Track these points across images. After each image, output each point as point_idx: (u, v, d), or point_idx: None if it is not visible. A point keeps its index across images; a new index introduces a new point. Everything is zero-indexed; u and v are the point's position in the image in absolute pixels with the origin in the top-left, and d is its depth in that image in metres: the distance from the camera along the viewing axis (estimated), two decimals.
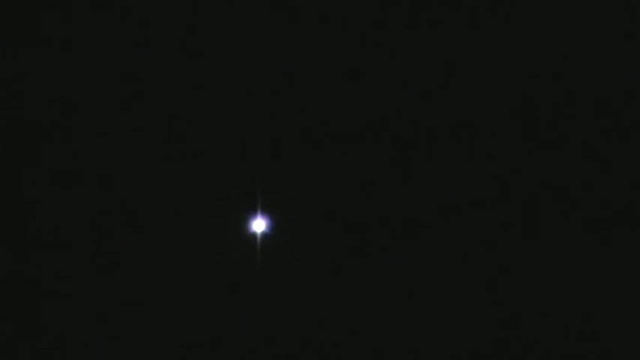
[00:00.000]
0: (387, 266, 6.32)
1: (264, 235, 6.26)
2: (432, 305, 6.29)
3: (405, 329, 6.25)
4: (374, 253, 6.33)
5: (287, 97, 6.43)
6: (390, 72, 6.45)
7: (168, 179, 6.32)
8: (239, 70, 6.42)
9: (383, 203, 6.38)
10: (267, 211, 6.28)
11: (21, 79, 6.33)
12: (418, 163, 6.40)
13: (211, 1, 6.43)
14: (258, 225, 6.27)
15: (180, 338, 6.19)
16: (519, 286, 6.30)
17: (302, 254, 6.31)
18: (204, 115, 6.38)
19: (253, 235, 6.27)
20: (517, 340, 6.23)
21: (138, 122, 6.36)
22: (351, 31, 6.46)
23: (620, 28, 6.42)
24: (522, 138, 6.43)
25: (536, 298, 6.28)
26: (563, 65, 6.44)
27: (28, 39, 6.33)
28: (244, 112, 6.40)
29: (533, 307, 6.28)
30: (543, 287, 6.29)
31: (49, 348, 6.14)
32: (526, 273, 6.32)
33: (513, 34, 6.45)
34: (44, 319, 6.17)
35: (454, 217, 6.37)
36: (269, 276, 6.27)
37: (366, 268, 6.33)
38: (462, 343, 6.26)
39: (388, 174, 6.40)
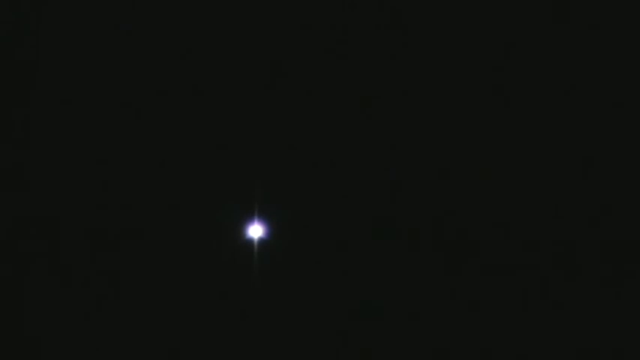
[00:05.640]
0: (386, 271, 6.31)
1: (261, 240, 6.25)
2: (432, 310, 6.27)
3: (404, 333, 6.24)
4: (372, 259, 6.32)
5: (285, 103, 6.41)
6: (388, 75, 6.43)
7: (166, 185, 6.32)
8: (237, 77, 6.41)
9: (381, 208, 6.36)
10: (265, 217, 6.26)
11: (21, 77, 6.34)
12: (417, 167, 6.39)
13: (211, 1, 6.41)
14: (255, 231, 6.25)
15: (176, 343, 6.19)
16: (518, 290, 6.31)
17: (299, 259, 6.29)
18: (202, 120, 6.37)
19: (250, 240, 6.25)
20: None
21: (136, 126, 6.34)
22: (353, 35, 6.45)
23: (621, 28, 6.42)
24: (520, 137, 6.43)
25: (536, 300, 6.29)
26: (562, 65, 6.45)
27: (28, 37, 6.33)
28: (242, 118, 6.39)
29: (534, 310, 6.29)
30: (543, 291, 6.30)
31: (46, 348, 6.13)
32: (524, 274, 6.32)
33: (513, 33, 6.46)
34: (41, 319, 6.15)
35: (454, 222, 6.35)
36: (266, 281, 6.25)
37: (365, 273, 6.31)
38: (462, 345, 6.25)
39: (387, 179, 6.38)
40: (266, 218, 6.26)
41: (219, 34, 6.43)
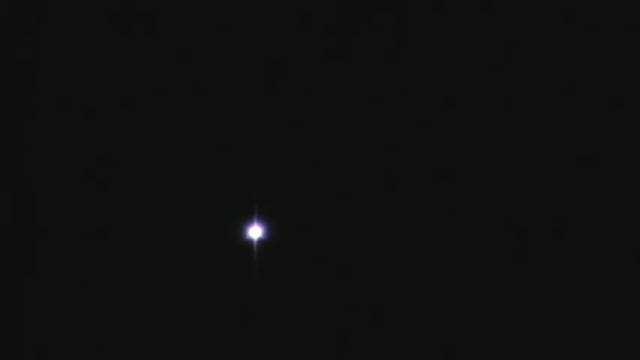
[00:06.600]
0: (386, 271, 6.31)
1: (261, 241, 6.24)
2: (432, 311, 6.28)
3: (404, 333, 6.24)
4: (372, 259, 6.32)
5: (285, 103, 6.40)
6: (388, 75, 6.42)
7: (165, 185, 6.31)
8: (237, 76, 6.40)
9: (382, 208, 6.36)
10: (264, 218, 6.26)
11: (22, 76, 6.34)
12: (417, 167, 6.38)
13: (211, 1, 6.41)
14: (255, 231, 6.25)
15: (176, 344, 6.19)
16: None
17: (299, 260, 6.29)
18: (202, 120, 6.36)
19: (250, 241, 6.25)
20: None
21: (135, 126, 6.34)
22: (353, 35, 6.44)
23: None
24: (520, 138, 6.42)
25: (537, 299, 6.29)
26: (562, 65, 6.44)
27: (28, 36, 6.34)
28: (242, 118, 6.38)
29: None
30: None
31: (46, 349, 6.13)
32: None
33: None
34: (41, 319, 6.16)
35: (454, 222, 6.34)
36: (266, 282, 6.25)
37: (365, 273, 6.31)
38: (462, 346, 6.25)
39: (387, 179, 6.38)
40: (266, 219, 6.26)
41: (219, 34, 6.42)
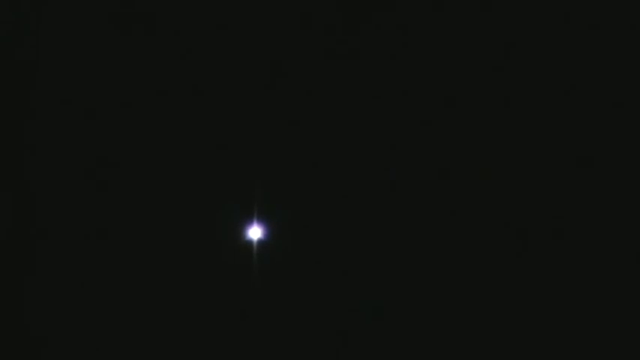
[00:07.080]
0: (386, 271, 6.31)
1: (261, 242, 6.24)
2: (432, 311, 6.27)
3: (404, 334, 6.24)
4: (373, 259, 6.32)
5: (285, 103, 6.40)
6: (388, 75, 6.42)
7: (165, 185, 6.31)
8: (237, 76, 6.40)
9: (382, 208, 6.36)
10: (264, 218, 6.26)
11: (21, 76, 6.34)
12: (417, 167, 6.38)
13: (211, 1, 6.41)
14: (255, 232, 6.25)
15: (175, 345, 6.19)
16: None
17: (299, 261, 6.29)
18: (201, 119, 6.36)
19: (250, 242, 6.25)
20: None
21: (135, 126, 6.34)
22: (353, 35, 6.43)
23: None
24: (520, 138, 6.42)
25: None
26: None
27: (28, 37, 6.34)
28: (242, 117, 6.38)
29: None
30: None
31: (45, 349, 6.14)
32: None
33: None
34: (40, 319, 6.17)
35: (454, 222, 6.34)
36: (266, 283, 6.25)
37: (365, 273, 6.31)
38: (462, 346, 6.25)
39: (387, 179, 6.38)
40: (266, 219, 6.25)
41: (219, 34, 6.42)
